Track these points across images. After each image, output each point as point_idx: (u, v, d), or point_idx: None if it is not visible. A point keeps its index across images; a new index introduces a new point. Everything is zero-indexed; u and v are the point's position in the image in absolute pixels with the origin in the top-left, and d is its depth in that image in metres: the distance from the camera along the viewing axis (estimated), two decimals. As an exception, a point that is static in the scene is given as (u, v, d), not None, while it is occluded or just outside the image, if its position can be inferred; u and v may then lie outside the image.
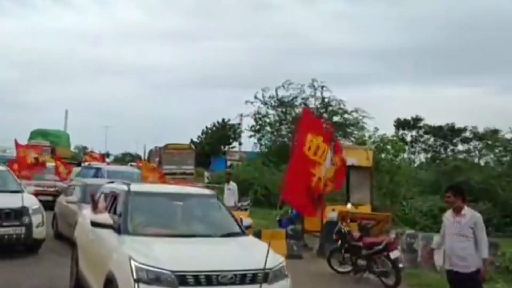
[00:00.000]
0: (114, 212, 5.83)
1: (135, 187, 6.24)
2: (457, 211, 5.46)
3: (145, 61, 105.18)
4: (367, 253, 8.44)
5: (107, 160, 41.51)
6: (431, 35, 75.01)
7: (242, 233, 5.82)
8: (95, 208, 6.34)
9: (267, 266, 4.79)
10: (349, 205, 10.81)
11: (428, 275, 8.82)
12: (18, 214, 8.60)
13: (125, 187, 6.06)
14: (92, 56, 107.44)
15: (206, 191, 6.96)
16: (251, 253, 5.15)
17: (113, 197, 6.25)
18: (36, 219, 8.78)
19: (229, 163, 38.20)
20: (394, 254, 8.07)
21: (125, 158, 60.14)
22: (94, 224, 5.47)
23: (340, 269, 9.01)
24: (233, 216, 6.22)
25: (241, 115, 31.09)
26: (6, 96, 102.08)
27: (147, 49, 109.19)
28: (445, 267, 5.62)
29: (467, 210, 5.47)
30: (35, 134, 33.40)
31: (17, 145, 16.76)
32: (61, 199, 11.58)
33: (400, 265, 8.14)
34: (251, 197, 18.68)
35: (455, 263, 5.41)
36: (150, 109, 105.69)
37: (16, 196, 8.91)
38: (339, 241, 8.97)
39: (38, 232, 8.83)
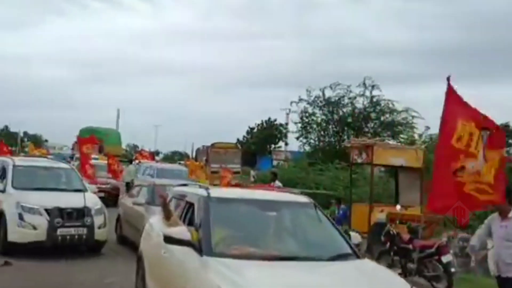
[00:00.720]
0: (189, 223, 4.83)
1: (216, 192, 5.05)
2: (503, 214, 5.31)
3: (194, 61, 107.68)
4: (417, 257, 8.32)
5: (157, 158, 42.71)
6: (485, 34, 72.06)
7: (355, 254, 4.49)
8: (167, 218, 5.11)
9: None
10: (398, 207, 10.69)
11: (481, 280, 8.60)
12: (80, 214, 8.53)
13: (203, 192, 4.92)
14: (143, 57, 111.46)
15: (302, 198, 5.38)
16: (379, 285, 3.93)
17: (186, 204, 5.27)
18: (98, 220, 8.71)
19: (275, 162, 38.37)
20: (446, 258, 7.94)
21: (174, 157, 61.75)
22: (168, 239, 4.33)
23: (389, 272, 8.94)
24: (339, 230, 4.91)
25: (289, 110, 31.14)
26: (62, 96, 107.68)
27: (196, 49, 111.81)
28: (494, 273, 5.55)
29: None
30: (84, 131, 34.63)
31: (79, 141, 15.99)
32: (126, 200, 10.94)
33: (452, 270, 7.99)
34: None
35: (502, 269, 5.30)
36: (198, 108, 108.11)
37: (79, 196, 8.82)
38: (388, 243, 8.87)
39: (100, 233, 8.74)
